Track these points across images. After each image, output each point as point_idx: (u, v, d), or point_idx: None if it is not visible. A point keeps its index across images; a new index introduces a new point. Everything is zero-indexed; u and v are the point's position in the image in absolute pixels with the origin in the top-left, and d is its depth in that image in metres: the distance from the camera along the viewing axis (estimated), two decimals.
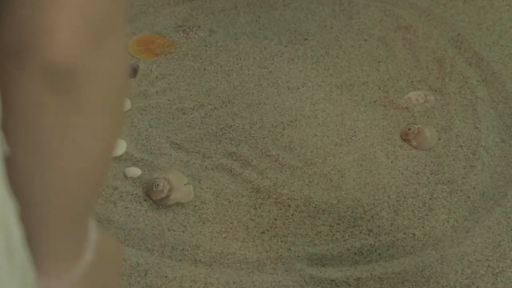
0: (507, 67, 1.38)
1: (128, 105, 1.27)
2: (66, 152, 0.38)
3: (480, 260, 1.07)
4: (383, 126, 1.25)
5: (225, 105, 1.28)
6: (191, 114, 1.27)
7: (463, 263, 1.07)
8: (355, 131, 1.24)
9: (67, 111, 0.37)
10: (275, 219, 1.12)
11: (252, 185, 1.16)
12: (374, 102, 1.29)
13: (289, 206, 1.13)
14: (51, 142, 0.37)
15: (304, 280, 1.05)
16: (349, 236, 1.10)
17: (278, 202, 1.14)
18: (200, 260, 1.07)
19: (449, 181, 1.17)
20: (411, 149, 1.21)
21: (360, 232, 1.11)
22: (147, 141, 1.22)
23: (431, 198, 1.14)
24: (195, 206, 1.13)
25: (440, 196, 1.15)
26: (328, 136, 1.23)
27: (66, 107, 0.36)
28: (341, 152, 1.20)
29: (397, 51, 1.40)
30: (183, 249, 1.08)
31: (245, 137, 1.23)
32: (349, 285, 1.05)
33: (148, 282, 1.04)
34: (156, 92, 1.31)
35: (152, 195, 1.12)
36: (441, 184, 1.16)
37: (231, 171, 1.18)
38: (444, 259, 1.07)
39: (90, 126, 0.38)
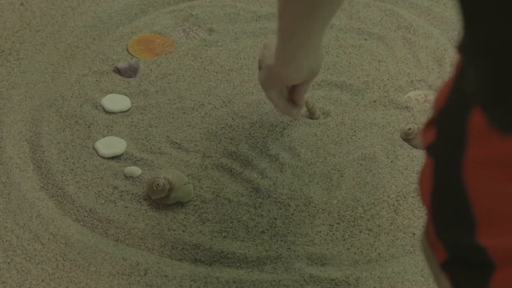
0: None
1: (128, 104, 1.28)
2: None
3: None
4: (383, 125, 1.25)
5: (225, 105, 1.28)
6: (191, 113, 1.27)
7: None
8: (355, 131, 1.24)
9: None
10: (275, 219, 1.12)
11: (252, 184, 1.16)
12: (374, 101, 1.29)
13: (289, 206, 1.13)
14: None
15: (304, 280, 1.05)
16: (349, 235, 1.10)
17: (278, 201, 1.14)
18: (200, 259, 1.07)
19: None
20: (411, 149, 1.21)
21: (360, 232, 1.11)
22: (147, 141, 1.22)
23: None
24: (195, 206, 1.13)
25: None
26: (328, 136, 1.23)
27: None
28: (341, 152, 1.20)
29: (397, 50, 1.40)
30: (183, 248, 1.08)
31: (245, 136, 1.23)
32: (349, 284, 1.05)
33: (147, 281, 1.04)
34: (156, 91, 1.31)
35: (152, 195, 1.12)
36: None
37: (231, 170, 1.18)
38: None
39: None
